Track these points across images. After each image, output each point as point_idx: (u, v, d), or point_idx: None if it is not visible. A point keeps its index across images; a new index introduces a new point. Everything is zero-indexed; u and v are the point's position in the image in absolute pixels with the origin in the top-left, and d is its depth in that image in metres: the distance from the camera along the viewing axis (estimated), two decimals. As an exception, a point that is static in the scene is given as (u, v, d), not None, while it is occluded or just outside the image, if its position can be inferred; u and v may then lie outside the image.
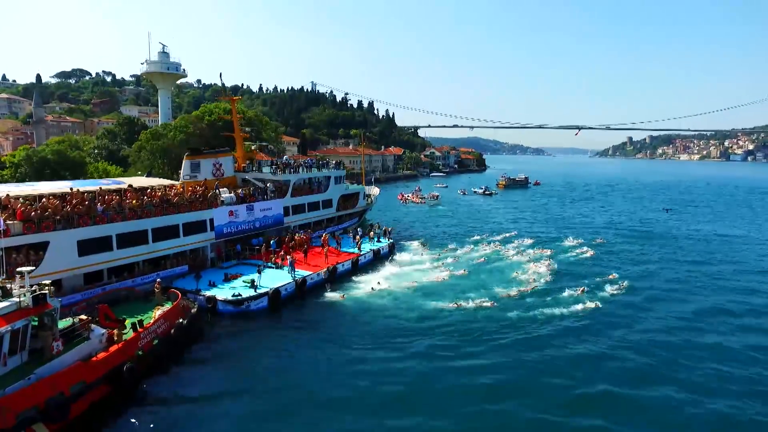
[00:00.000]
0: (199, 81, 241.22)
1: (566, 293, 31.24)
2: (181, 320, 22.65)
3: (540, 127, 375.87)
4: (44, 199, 26.55)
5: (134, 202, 29.98)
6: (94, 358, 17.74)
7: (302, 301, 30.45)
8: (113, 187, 31.65)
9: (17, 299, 16.34)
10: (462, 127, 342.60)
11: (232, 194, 36.86)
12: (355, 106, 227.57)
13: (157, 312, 22.56)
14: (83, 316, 19.56)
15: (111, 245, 27.86)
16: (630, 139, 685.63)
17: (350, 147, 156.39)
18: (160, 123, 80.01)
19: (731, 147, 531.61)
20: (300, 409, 18.19)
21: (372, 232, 44.62)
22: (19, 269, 17.32)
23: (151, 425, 17.10)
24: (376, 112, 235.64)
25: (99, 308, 20.99)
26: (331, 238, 40.45)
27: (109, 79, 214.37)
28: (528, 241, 47.65)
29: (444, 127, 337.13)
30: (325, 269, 33.94)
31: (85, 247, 26.51)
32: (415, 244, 46.32)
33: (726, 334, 26.22)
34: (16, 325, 15.80)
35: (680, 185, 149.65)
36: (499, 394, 19.41)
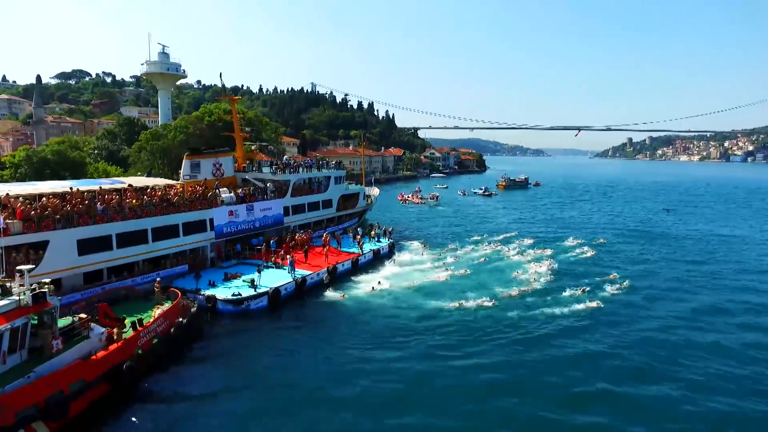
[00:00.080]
0: (199, 82, 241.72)
1: (567, 293, 31.23)
2: (180, 319, 22.65)
3: (540, 128, 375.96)
4: (44, 199, 26.53)
5: (134, 201, 29.97)
6: (94, 357, 17.72)
7: (302, 300, 30.44)
8: (113, 186, 31.62)
9: (17, 297, 16.31)
10: (462, 128, 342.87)
11: (232, 194, 36.86)
12: (355, 107, 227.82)
13: (157, 311, 22.52)
14: (83, 315, 19.53)
15: (111, 245, 27.84)
16: (630, 140, 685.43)
17: (350, 148, 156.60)
18: (160, 123, 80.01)
19: (731, 148, 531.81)
20: (300, 408, 18.16)
21: (373, 232, 44.63)
22: (18, 267, 17.30)
23: (151, 424, 17.10)
24: (376, 113, 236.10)
25: (99, 307, 20.96)
26: (332, 238, 40.45)
27: (109, 80, 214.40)
28: (528, 241, 47.66)
29: (445, 128, 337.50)
30: (325, 269, 33.95)
31: (85, 247, 26.49)
32: (416, 244, 46.31)
33: (726, 333, 26.19)
34: (15, 323, 15.77)
35: (680, 186, 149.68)
36: (500, 392, 19.39)
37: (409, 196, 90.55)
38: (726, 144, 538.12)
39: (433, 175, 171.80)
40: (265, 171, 43.84)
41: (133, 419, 17.27)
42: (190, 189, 34.86)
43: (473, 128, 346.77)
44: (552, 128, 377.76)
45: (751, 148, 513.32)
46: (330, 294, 30.93)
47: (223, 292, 28.49)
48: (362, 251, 39.15)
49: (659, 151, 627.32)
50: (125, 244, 28.54)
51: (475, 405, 18.49)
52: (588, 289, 32.13)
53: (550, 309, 28.44)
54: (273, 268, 33.37)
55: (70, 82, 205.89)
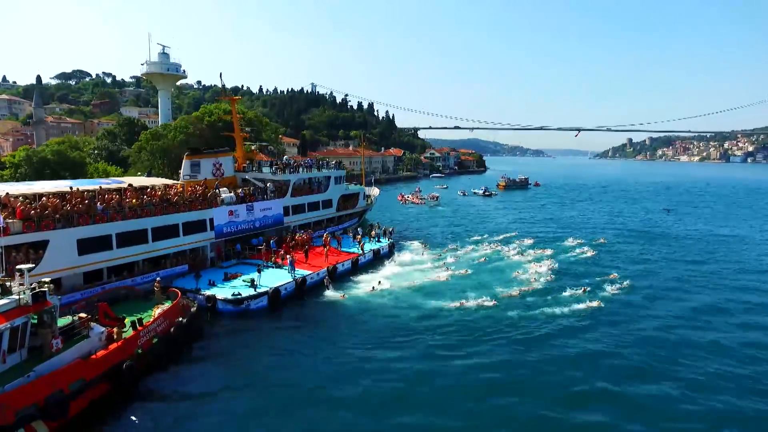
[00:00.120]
0: (199, 82, 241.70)
1: (567, 293, 31.22)
2: (180, 319, 22.63)
3: (540, 128, 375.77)
4: (44, 198, 26.52)
5: (134, 201, 29.96)
6: (94, 356, 17.70)
7: (302, 300, 30.42)
8: (113, 186, 31.62)
9: (17, 296, 16.31)
10: (462, 128, 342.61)
11: (232, 194, 36.86)
12: (355, 107, 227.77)
13: (157, 311, 22.52)
14: (82, 315, 19.50)
15: (111, 244, 27.83)
16: (630, 140, 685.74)
17: (350, 148, 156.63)
18: (159, 124, 80.00)
19: (731, 148, 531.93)
20: (300, 408, 18.14)
21: (373, 232, 44.65)
22: (18, 266, 17.30)
23: (151, 423, 17.08)
24: (376, 113, 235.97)
25: (98, 306, 20.96)
26: (332, 238, 40.45)
27: (109, 80, 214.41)
28: (528, 241, 47.66)
29: (445, 128, 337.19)
30: (325, 269, 33.94)
31: (85, 246, 26.48)
32: (416, 244, 46.29)
33: (725, 332, 26.19)
34: (15, 322, 15.77)
35: (680, 186, 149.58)
36: (500, 392, 19.38)
37: (409, 196, 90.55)
38: (726, 144, 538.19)
39: (433, 175, 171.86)
40: (265, 171, 43.84)
41: (133, 418, 17.26)
42: (190, 189, 34.85)
43: (473, 128, 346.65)
44: (552, 129, 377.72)
45: (751, 148, 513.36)
46: (330, 294, 30.92)
47: (223, 292, 28.47)
48: (363, 251, 39.14)
49: (659, 152, 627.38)
50: (125, 243, 28.52)
51: (476, 404, 18.49)
52: (588, 289, 32.10)
53: (551, 309, 28.43)
54: (273, 268, 33.37)
55: (70, 82, 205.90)
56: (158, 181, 36.08)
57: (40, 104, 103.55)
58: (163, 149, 56.06)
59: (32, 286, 16.85)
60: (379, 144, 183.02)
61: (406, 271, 36.28)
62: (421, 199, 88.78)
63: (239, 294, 28.14)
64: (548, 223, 65.02)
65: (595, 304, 29.27)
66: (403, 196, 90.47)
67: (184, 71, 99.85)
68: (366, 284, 32.59)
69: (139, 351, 19.53)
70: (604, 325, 26.44)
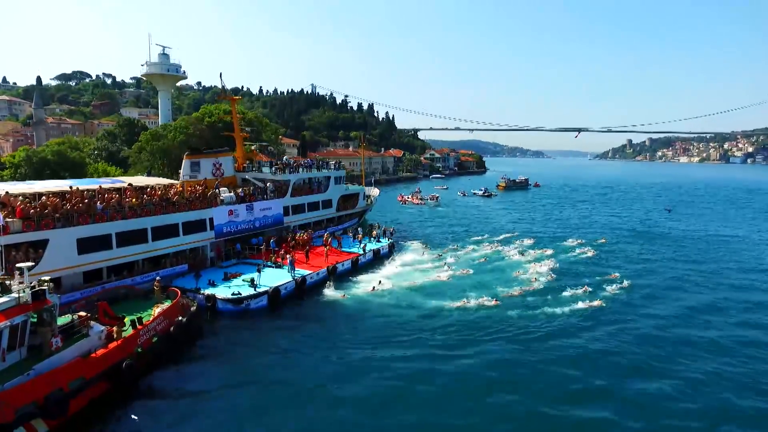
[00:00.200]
0: (199, 83, 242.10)
1: (567, 292, 31.19)
2: (180, 318, 22.59)
3: (540, 129, 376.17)
4: (44, 197, 26.51)
5: (134, 200, 29.95)
6: (93, 355, 17.67)
7: (302, 300, 30.39)
8: (113, 185, 31.63)
9: (16, 295, 16.28)
10: (462, 129, 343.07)
11: (231, 194, 36.86)
12: (354, 108, 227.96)
13: (157, 310, 22.48)
14: (82, 313, 19.47)
15: (110, 244, 27.81)
16: (630, 141, 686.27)
17: (350, 149, 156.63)
18: (160, 124, 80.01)
19: (731, 149, 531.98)
20: (299, 407, 18.11)
21: (374, 232, 44.67)
22: (18, 265, 17.28)
23: (150, 421, 17.05)
24: (376, 114, 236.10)
25: (98, 305, 20.95)
26: (333, 238, 40.46)
27: (109, 81, 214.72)
28: (529, 242, 47.65)
29: (446, 129, 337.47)
30: (325, 269, 33.93)
31: (85, 246, 26.46)
32: (416, 244, 46.27)
33: (725, 331, 26.21)
34: (15, 320, 15.74)
35: (680, 188, 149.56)
36: (500, 390, 19.36)
37: (409, 197, 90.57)
38: (726, 145, 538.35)
39: (433, 176, 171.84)
40: (265, 171, 43.84)
41: (133, 417, 17.23)
42: (189, 189, 34.84)
43: (473, 129, 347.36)
44: (552, 129, 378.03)
45: (750, 149, 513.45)
46: (330, 293, 30.89)
47: (222, 292, 28.44)
48: (363, 251, 39.13)
49: (659, 153, 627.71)
50: (125, 243, 28.50)
51: (476, 403, 18.46)
52: (589, 288, 32.05)
53: (551, 308, 28.40)
54: (273, 267, 33.35)
55: (71, 83, 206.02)
56: (158, 181, 36.07)
57: (40, 105, 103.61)
58: (163, 150, 56.07)
59: (32, 285, 16.82)
60: (379, 145, 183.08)
61: (406, 271, 36.26)
62: (421, 199, 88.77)
63: (239, 293, 28.11)
64: (548, 224, 65.02)
65: (595, 303, 29.26)
66: (402, 197, 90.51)
67: (184, 72, 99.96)
68: (366, 284, 32.56)
69: (139, 350, 19.50)
70: (605, 325, 26.41)
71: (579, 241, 48.94)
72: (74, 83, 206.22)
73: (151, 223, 30.04)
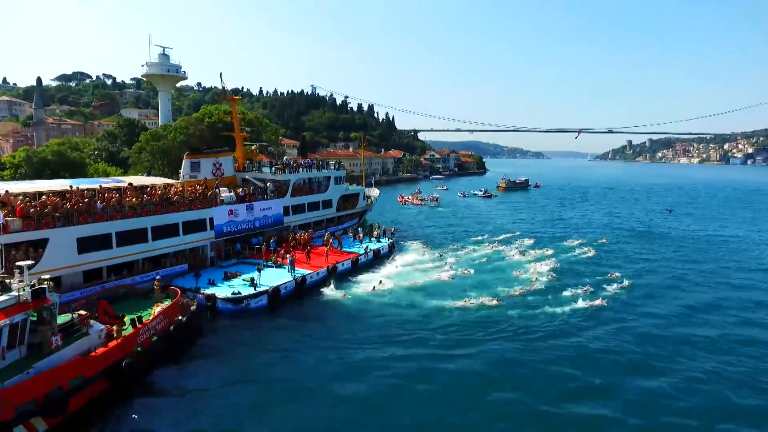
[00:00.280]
0: (199, 84, 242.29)
1: (568, 292, 31.18)
2: (180, 317, 22.53)
3: (540, 130, 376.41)
4: (44, 197, 26.50)
5: (134, 200, 29.95)
6: (93, 354, 17.61)
7: (302, 299, 30.38)
8: (113, 185, 31.61)
9: (16, 293, 16.25)
10: (463, 131, 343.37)
11: (231, 193, 36.86)
12: (355, 109, 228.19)
13: (157, 309, 22.45)
14: (82, 312, 19.44)
15: (110, 243, 27.80)
16: (630, 142, 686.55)
17: (350, 150, 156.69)
18: (160, 125, 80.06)
19: (731, 150, 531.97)
20: (299, 406, 18.08)
21: (375, 232, 44.72)
22: (18, 263, 17.26)
23: (150, 420, 17.04)
24: (376, 115, 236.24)
25: (98, 304, 20.91)
26: (334, 238, 40.47)
27: (109, 82, 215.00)
28: (529, 242, 47.66)
29: (447, 131, 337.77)
30: (325, 268, 33.92)
31: (85, 245, 26.45)
32: (416, 244, 46.29)
33: (724, 330, 26.25)
34: (14, 319, 15.71)
35: (680, 188, 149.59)
36: (501, 389, 19.35)
37: (409, 197, 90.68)
38: (726, 146, 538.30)
39: (433, 176, 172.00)
40: (265, 171, 43.85)
41: (133, 415, 17.23)
42: (190, 188, 34.83)
43: (473, 131, 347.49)
44: (552, 130, 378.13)
45: (750, 150, 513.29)
46: (330, 293, 30.87)
47: (222, 291, 28.43)
48: (365, 251, 39.15)
49: (659, 154, 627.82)
50: (125, 242, 28.49)
51: (476, 402, 18.44)
52: (589, 288, 32.04)
53: (552, 308, 28.39)
54: (273, 267, 33.34)
55: (71, 84, 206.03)
56: (158, 181, 36.07)
57: (40, 105, 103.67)
58: (163, 150, 56.08)
59: (32, 283, 16.80)
60: (379, 146, 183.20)
61: (406, 271, 36.25)
62: (421, 200, 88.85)
63: (239, 293, 28.09)
64: (548, 224, 65.03)
65: (596, 302, 29.25)
66: (403, 198, 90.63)
67: (184, 72, 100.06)
68: (366, 284, 32.55)
69: (139, 349, 19.46)
70: (605, 324, 26.40)
71: (579, 240, 48.97)
72: (74, 84, 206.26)
73: (151, 222, 30.03)
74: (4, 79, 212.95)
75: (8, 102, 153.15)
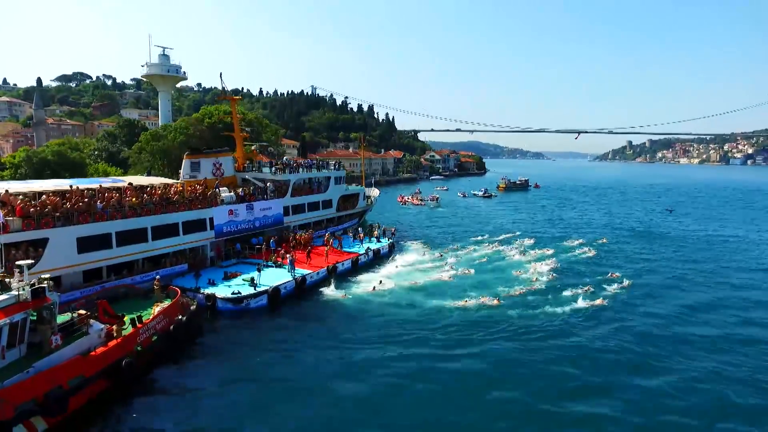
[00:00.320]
0: (199, 85, 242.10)
1: (568, 292, 31.14)
2: (180, 317, 22.51)
3: (540, 131, 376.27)
4: (44, 196, 26.49)
5: (134, 200, 29.94)
6: (93, 353, 17.60)
7: (302, 299, 30.36)
8: (113, 185, 31.60)
9: (16, 292, 16.25)
10: (463, 131, 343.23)
11: (231, 193, 36.85)
12: (355, 109, 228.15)
13: (156, 309, 22.45)
14: (82, 311, 19.44)
15: (110, 243, 27.78)
16: (630, 143, 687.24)
17: (350, 150, 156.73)
18: (160, 125, 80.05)
19: (731, 151, 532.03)
20: (299, 405, 18.06)
21: (375, 231, 44.74)
22: (18, 263, 17.25)
23: (149, 419, 17.03)
24: (376, 115, 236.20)
25: (98, 303, 20.87)
26: (334, 239, 40.47)
27: (109, 82, 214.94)
28: (529, 241, 47.64)
29: (447, 131, 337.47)
30: (325, 268, 33.91)
31: (85, 245, 26.43)
32: (416, 244, 46.28)
33: (724, 328, 26.26)
34: (14, 318, 15.70)
35: (681, 189, 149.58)
36: (501, 388, 19.31)
37: (409, 197, 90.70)
38: (726, 147, 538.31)
39: (433, 177, 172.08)
40: (265, 171, 43.85)
41: (132, 415, 17.21)
42: (189, 188, 34.82)
43: (473, 131, 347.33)
44: (552, 131, 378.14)
45: (750, 151, 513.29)
46: (330, 293, 30.85)
47: (222, 291, 28.42)
48: (365, 250, 39.15)
49: (659, 154, 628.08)
50: (125, 242, 28.48)
51: (476, 401, 18.41)
52: (589, 288, 32.00)
53: (552, 307, 28.36)
54: (273, 267, 33.33)
55: (71, 84, 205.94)
56: (158, 181, 36.07)
57: (40, 106, 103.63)
58: (163, 150, 56.06)
59: (31, 282, 16.79)
60: (379, 146, 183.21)
61: (407, 271, 36.23)
62: (421, 200, 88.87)
63: (239, 293, 28.08)
64: (549, 224, 65.03)
65: (596, 302, 29.24)
66: (402, 198, 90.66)
67: (184, 73, 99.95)
68: (367, 284, 32.53)
69: (139, 348, 19.47)
70: (605, 323, 26.38)
71: (579, 240, 48.96)
72: (74, 84, 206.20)
73: (151, 222, 30.02)
74: (4, 80, 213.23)
75: (8, 102, 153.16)
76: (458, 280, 33.93)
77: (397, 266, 37.52)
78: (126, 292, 25.51)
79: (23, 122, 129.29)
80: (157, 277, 26.71)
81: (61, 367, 16.15)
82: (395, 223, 57.34)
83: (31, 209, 24.91)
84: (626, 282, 33.66)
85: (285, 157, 60.82)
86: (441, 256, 41.13)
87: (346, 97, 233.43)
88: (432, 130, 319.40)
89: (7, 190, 26.07)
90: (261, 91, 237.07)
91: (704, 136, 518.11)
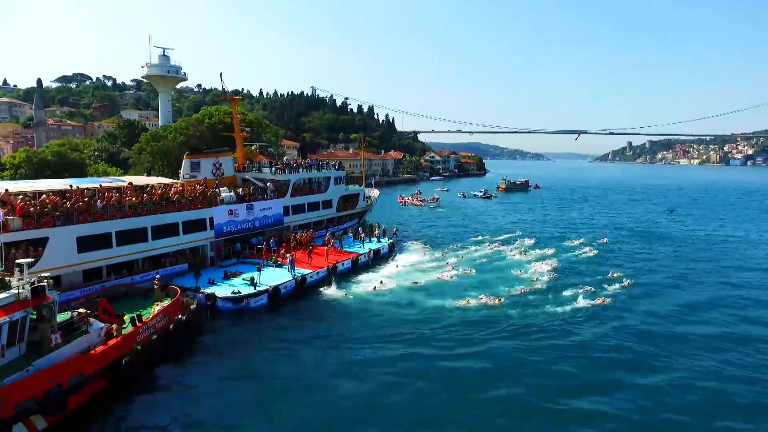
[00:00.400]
0: (199, 86, 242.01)
1: (569, 291, 31.14)
2: (180, 316, 22.50)
3: (540, 131, 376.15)
4: (44, 196, 26.47)
5: (134, 199, 29.92)
6: (93, 352, 17.57)
7: (302, 299, 30.33)
8: (113, 184, 31.59)
9: (16, 291, 16.22)
10: (463, 132, 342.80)
11: (232, 193, 36.83)
12: (355, 110, 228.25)
13: (156, 308, 22.42)
14: (82, 310, 19.41)
15: (110, 242, 27.76)
16: (630, 143, 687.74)
17: (350, 151, 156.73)
18: (160, 126, 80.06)
19: (731, 152, 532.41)
20: (299, 404, 18.02)
21: (376, 231, 44.74)
22: (18, 261, 17.21)
23: (149, 417, 16.99)
24: (375, 116, 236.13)
25: (98, 302, 20.84)
26: (335, 239, 40.44)
27: (109, 83, 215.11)
28: (530, 242, 47.67)
29: (448, 132, 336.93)
30: (325, 268, 33.90)
31: (85, 244, 26.41)
32: (417, 244, 46.30)
33: (723, 327, 26.31)
34: (14, 316, 15.66)
35: (680, 189, 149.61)
36: (502, 387, 19.30)
37: (409, 198, 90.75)
38: (726, 148, 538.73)
39: (433, 178, 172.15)
40: (265, 171, 43.82)
41: (132, 413, 17.17)
42: (190, 188, 34.81)
43: (473, 132, 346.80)
44: (552, 132, 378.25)
45: (750, 151, 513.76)
46: (331, 293, 30.84)
47: (222, 290, 28.39)
48: (365, 250, 39.12)
49: (659, 155, 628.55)
50: (125, 242, 28.45)
51: (477, 399, 18.38)
52: (590, 287, 31.99)
53: (553, 307, 28.35)
54: (273, 266, 33.31)
55: (71, 85, 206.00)
56: (158, 180, 36.06)
57: (40, 106, 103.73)
58: (163, 151, 56.07)
59: (31, 281, 16.77)
60: (379, 147, 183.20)
61: (407, 271, 36.22)
62: (421, 201, 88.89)
63: (239, 292, 28.06)
64: (549, 224, 65.03)
65: (597, 302, 29.23)
66: (403, 198, 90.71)
67: (184, 73, 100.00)
68: (367, 283, 32.51)
69: (138, 347, 19.45)
70: (606, 323, 26.35)
71: (580, 240, 48.99)
72: (75, 85, 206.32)
73: (151, 222, 30.00)
74: (5, 81, 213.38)
75: (8, 103, 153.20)
76: (459, 280, 33.91)
77: (397, 266, 37.51)
78: (126, 291, 25.50)
79: (23, 123, 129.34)
80: (157, 276, 26.69)
81: (61, 365, 16.11)
82: (395, 224, 57.29)
83: (31, 208, 24.89)
84: (627, 281, 33.66)
85: (285, 157, 60.76)
86: (442, 256, 41.14)
87: (346, 98, 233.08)
88: (432, 131, 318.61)
89: (7, 190, 26.07)
90: (261, 92, 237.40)
91: (704, 137, 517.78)
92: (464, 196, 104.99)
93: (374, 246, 41.05)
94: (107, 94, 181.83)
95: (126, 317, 20.48)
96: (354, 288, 31.81)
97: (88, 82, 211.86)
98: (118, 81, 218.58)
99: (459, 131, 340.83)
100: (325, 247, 37.59)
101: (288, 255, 33.22)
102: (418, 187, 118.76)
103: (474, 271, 36.29)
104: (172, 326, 21.67)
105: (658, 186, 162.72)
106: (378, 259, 39.82)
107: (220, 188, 36.60)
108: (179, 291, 24.40)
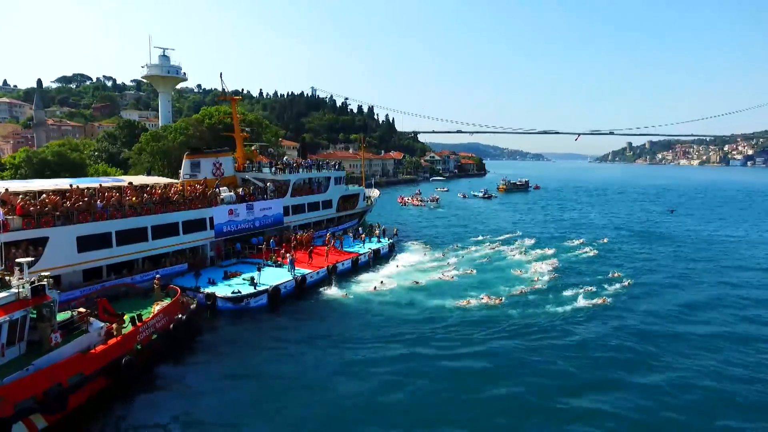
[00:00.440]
0: (199, 86, 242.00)
1: (569, 291, 31.12)
2: (180, 316, 22.52)
3: (540, 132, 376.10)
4: (44, 195, 26.46)
5: (134, 199, 29.92)
6: (93, 351, 17.58)
7: (302, 299, 30.32)
8: (113, 184, 31.58)
9: (16, 290, 16.22)
10: (464, 132, 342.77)
11: (232, 193, 36.83)
12: (354, 111, 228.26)
13: (156, 307, 22.43)
14: (81, 309, 19.42)
15: (110, 242, 27.75)
16: (630, 144, 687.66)
17: (350, 151, 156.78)
18: (160, 126, 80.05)
19: (731, 152, 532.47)
20: (299, 404, 18.01)
21: (376, 231, 44.74)
22: (18, 260, 17.21)
23: (149, 417, 16.99)
24: (376, 117, 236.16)
25: (98, 302, 20.83)
26: (335, 239, 40.44)
27: (109, 83, 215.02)
28: (530, 242, 47.69)
29: (448, 132, 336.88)
30: (325, 268, 33.89)
31: (85, 244, 26.40)
32: (417, 244, 46.28)
33: (723, 327, 26.30)
34: (14, 315, 15.66)
35: (681, 190, 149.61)
36: (502, 386, 19.28)
37: (409, 198, 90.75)
38: (726, 148, 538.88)
39: (433, 178, 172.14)
40: (265, 171, 43.82)
41: (132, 412, 17.17)
42: (190, 188, 34.80)
43: (474, 132, 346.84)
44: (552, 132, 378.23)
45: (750, 152, 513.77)
46: (331, 292, 30.83)
47: (222, 290, 28.38)
48: (365, 250, 39.10)
49: (659, 156, 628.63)
50: (125, 241, 28.44)
51: (477, 399, 18.36)
52: (591, 287, 31.99)
53: (553, 307, 28.33)
54: (273, 266, 33.31)
55: (71, 85, 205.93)
56: (158, 180, 36.05)
57: (40, 107, 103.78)
58: (163, 151, 56.08)
59: (31, 280, 16.77)
60: (379, 147, 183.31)
61: (407, 271, 36.21)
62: (421, 201, 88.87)
63: (239, 292, 28.05)
64: (549, 224, 65.03)
65: (598, 301, 29.23)
66: (403, 199, 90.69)
67: (184, 74, 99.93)
68: (367, 283, 32.50)
69: (138, 346, 19.45)
70: (606, 322, 26.33)
71: (580, 240, 49.00)
72: (75, 86, 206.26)
73: (151, 221, 29.99)
74: (5, 81, 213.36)
75: (8, 104, 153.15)
76: (459, 280, 33.90)
77: (397, 266, 37.50)
78: (126, 291, 25.51)
79: (23, 123, 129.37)
80: (157, 276, 26.71)
81: (61, 364, 16.12)
82: (395, 224, 57.31)
83: (31, 208, 24.89)
84: (627, 281, 33.66)
85: (285, 158, 60.74)
86: (442, 256, 41.13)
87: (346, 99, 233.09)
88: (433, 131, 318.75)
89: (7, 189, 26.06)
90: (261, 93, 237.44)
91: (704, 138, 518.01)
92: (464, 197, 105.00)
93: (374, 246, 41.04)
94: (107, 95, 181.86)
95: (126, 317, 20.49)
96: (354, 288, 31.80)
97: (88, 83, 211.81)
98: (118, 81, 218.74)
99: (459, 131, 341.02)
100: (325, 247, 37.60)
101: (288, 255, 33.22)
102: (418, 188, 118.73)
103: (474, 271, 36.30)
104: (172, 326, 21.69)
105: (659, 186, 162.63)
106: (378, 259, 39.81)
107: (220, 188, 36.59)
108: (179, 291, 24.42)
